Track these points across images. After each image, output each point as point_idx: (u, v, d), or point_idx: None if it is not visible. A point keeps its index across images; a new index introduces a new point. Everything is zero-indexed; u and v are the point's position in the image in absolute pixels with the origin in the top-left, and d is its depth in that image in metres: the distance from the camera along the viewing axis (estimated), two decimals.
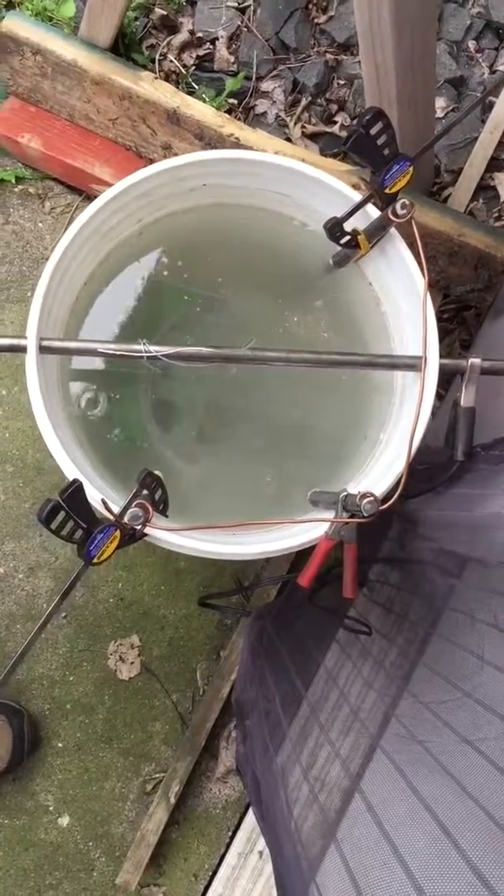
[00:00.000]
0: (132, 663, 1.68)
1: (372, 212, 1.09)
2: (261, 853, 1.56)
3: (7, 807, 1.63)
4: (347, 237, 1.10)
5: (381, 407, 1.24)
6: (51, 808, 1.64)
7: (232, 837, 1.65)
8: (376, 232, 1.09)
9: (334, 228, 1.09)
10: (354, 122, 0.97)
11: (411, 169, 1.07)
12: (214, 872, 1.64)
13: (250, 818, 1.62)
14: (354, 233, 1.10)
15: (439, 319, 1.75)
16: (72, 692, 1.67)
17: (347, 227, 1.10)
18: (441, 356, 1.08)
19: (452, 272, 1.61)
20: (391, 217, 1.03)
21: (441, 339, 1.10)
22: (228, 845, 1.65)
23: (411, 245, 1.09)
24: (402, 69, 1.25)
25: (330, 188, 1.10)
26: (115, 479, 1.22)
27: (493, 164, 1.79)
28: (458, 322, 1.80)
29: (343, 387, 1.26)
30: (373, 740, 1.27)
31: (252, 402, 1.31)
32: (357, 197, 1.10)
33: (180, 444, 1.29)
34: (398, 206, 1.02)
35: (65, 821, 1.64)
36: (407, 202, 1.02)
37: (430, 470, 1.23)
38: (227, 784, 1.68)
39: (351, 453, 1.26)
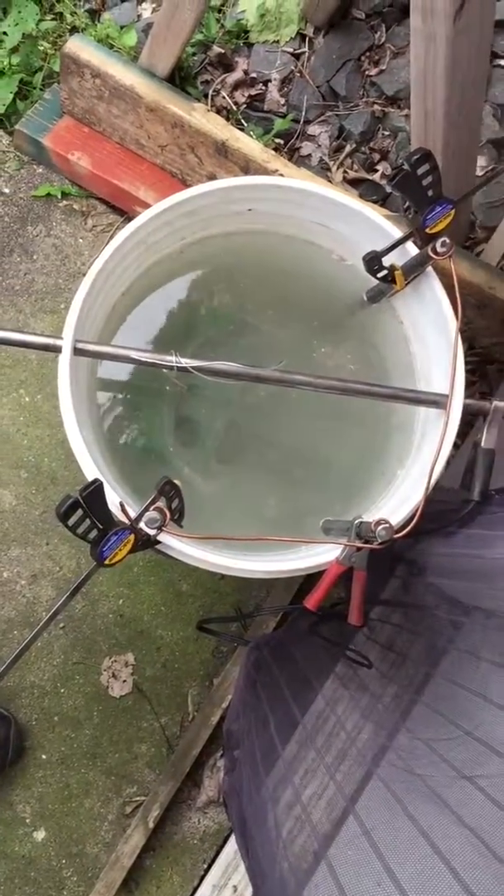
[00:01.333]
0: (125, 681, 1.67)
1: (411, 251, 1.12)
2: (235, 888, 1.53)
3: None
4: (385, 272, 1.12)
5: (400, 445, 1.25)
6: (27, 821, 1.62)
7: (207, 870, 1.62)
8: (414, 269, 1.12)
9: (373, 262, 1.11)
10: (402, 160, 0.99)
11: (453, 212, 1.09)
12: None
13: (227, 852, 1.59)
14: (392, 268, 1.12)
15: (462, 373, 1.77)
16: (61, 704, 1.66)
17: (385, 261, 1.13)
18: (465, 397, 1.10)
19: (480, 324, 1.63)
20: (431, 254, 1.06)
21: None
22: (202, 878, 1.62)
23: (446, 286, 1.11)
24: (449, 119, 1.29)
25: (372, 223, 1.13)
26: (132, 490, 1.23)
27: None
28: (479, 375, 1.83)
29: (365, 422, 1.28)
30: (368, 767, 1.26)
31: (273, 429, 1.32)
32: (398, 234, 1.12)
33: (198, 461, 1.30)
34: (439, 244, 1.05)
35: (40, 835, 1.62)
36: (447, 241, 1.05)
37: (441, 512, 1.24)
38: (206, 815, 1.65)
39: (366, 487, 1.28)
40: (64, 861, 1.61)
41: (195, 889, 1.61)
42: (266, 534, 1.26)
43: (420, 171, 1.05)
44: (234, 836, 1.55)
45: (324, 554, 1.09)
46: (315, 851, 1.19)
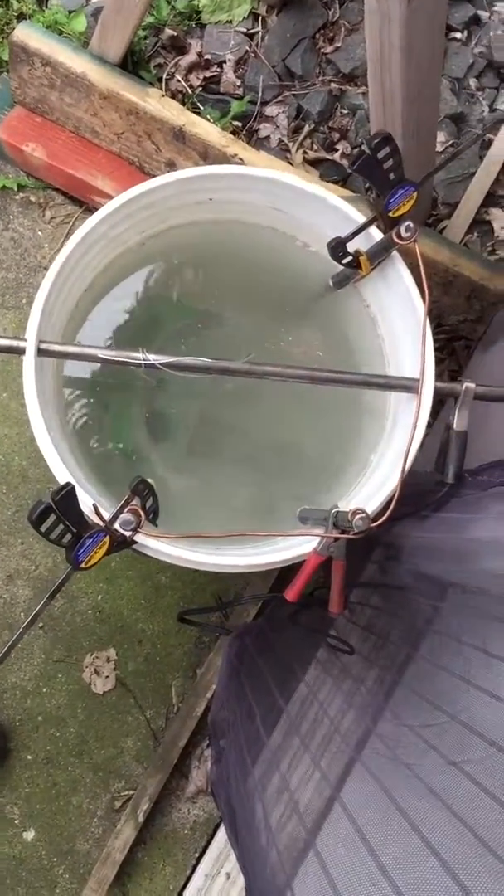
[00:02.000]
0: (107, 677, 1.66)
1: (375, 235, 1.11)
2: (228, 875, 1.54)
3: None
4: (349, 257, 1.11)
5: (372, 430, 1.25)
6: (16, 822, 1.61)
7: (199, 859, 1.63)
8: (378, 254, 1.11)
9: (337, 248, 1.10)
10: (362, 144, 0.98)
11: (416, 194, 1.08)
12: (179, 893, 1.61)
13: (218, 840, 1.60)
14: (357, 253, 1.11)
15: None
16: (44, 704, 1.65)
17: (350, 247, 1.11)
18: (435, 379, 1.10)
19: (446, 302, 1.63)
20: (396, 239, 1.05)
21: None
22: (195, 867, 1.62)
23: (412, 269, 1.10)
24: (408, 97, 1.27)
25: (335, 209, 1.12)
26: (104, 488, 1.21)
27: (489, 200, 1.82)
28: (448, 353, 1.82)
29: (336, 408, 1.27)
30: (352, 753, 1.26)
31: (244, 419, 1.31)
32: (361, 218, 1.11)
33: (170, 455, 1.29)
34: (403, 228, 1.04)
35: (30, 835, 1.61)
36: (412, 225, 1.04)
37: (416, 495, 1.24)
38: (196, 804, 1.66)
39: (341, 473, 1.27)
40: (55, 859, 1.61)
41: (188, 879, 1.62)
42: (241, 526, 1.25)
43: (381, 154, 1.03)
44: (223, 825, 1.55)
45: (301, 545, 1.08)
46: (304, 840, 1.20)
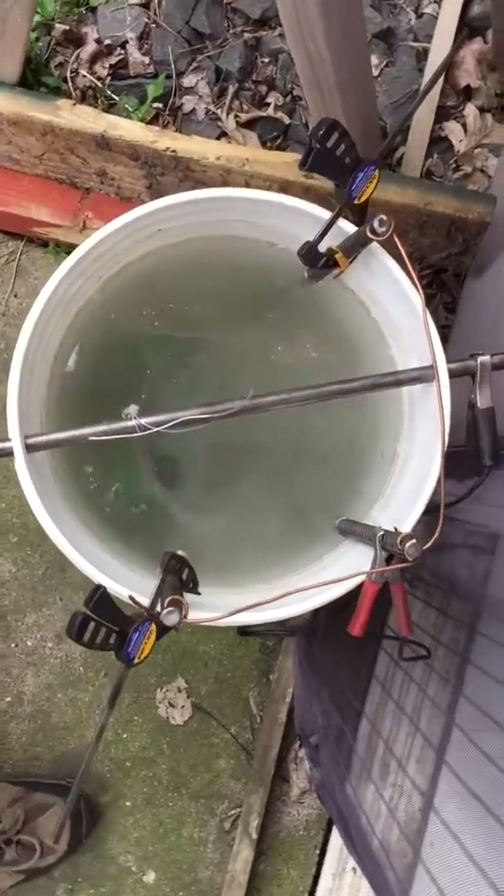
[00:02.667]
0: (183, 707, 1.63)
1: (347, 227, 1.01)
2: (354, 870, 1.53)
3: (89, 877, 1.59)
4: (324, 258, 1.02)
5: (389, 417, 1.17)
6: (133, 868, 1.61)
7: (321, 856, 1.62)
8: (354, 248, 1.01)
9: (309, 254, 1.01)
10: (309, 138, 0.88)
11: (377, 172, 0.98)
12: (311, 893, 1.61)
13: (335, 836, 1.59)
14: (331, 252, 1.02)
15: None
16: (129, 748, 1.63)
17: (321, 247, 1.02)
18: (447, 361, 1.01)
19: (425, 242, 1.53)
20: (370, 235, 0.95)
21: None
22: (319, 864, 1.62)
23: (396, 258, 1.01)
24: (336, 54, 1.16)
25: (293, 209, 1.02)
26: (137, 555, 1.15)
27: (441, 114, 1.69)
28: (437, 286, 1.73)
29: (347, 403, 1.19)
30: (437, 754, 1.23)
31: (256, 436, 1.24)
32: (324, 214, 1.01)
33: (189, 499, 1.22)
34: (376, 223, 0.94)
35: (150, 877, 1.61)
36: (385, 218, 0.94)
37: (459, 454, 1.16)
38: (303, 804, 1.64)
39: (368, 469, 1.20)
40: (181, 893, 1.61)
41: (315, 878, 1.62)
42: (277, 555, 1.19)
43: (330, 143, 0.93)
44: (336, 828, 1.54)
45: (350, 565, 1.03)
46: (410, 851, 1.17)
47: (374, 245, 1.01)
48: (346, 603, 1.37)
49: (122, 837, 1.61)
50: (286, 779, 1.65)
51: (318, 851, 1.64)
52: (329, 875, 1.55)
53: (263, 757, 1.60)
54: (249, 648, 1.66)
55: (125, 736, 1.62)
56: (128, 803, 1.62)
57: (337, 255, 1.01)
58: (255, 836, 1.57)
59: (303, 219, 1.04)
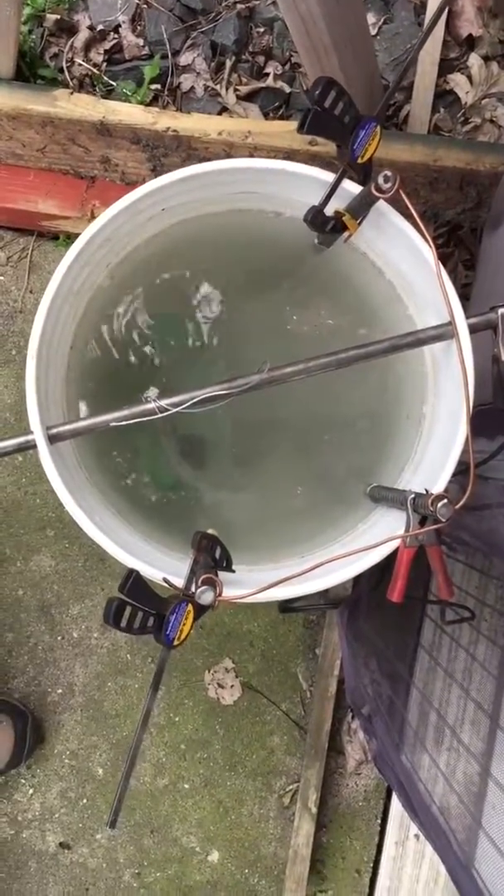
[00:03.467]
0: (232, 686, 1.64)
1: (352, 188, 0.99)
2: (417, 836, 1.52)
3: (155, 860, 1.61)
4: (332, 222, 1.00)
5: (413, 379, 1.15)
6: (197, 849, 1.62)
7: (383, 825, 1.62)
8: (361, 208, 0.99)
9: (316, 218, 0.99)
10: (305, 100, 0.87)
11: (378, 129, 0.96)
12: (376, 862, 1.61)
13: (395, 804, 1.58)
14: (338, 214, 1.00)
15: (435, 247, 1.64)
16: (182, 732, 1.63)
17: (328, 210, 1.00)
18: (467, 316, 0.99)
19: (437, 199, 1.50)
20: (375, 193, 0.93)
21: (442, 265, 1.00)
22: (381, 833, 1.62)
23: (405, 214, 0.99)
24: (329, 14, 1.13)
25: (296, 175, 1.00)
26: (163, 533, 1.15)
27: (444, 67, 1.65)
28: (454, 243, 1.69)
29: (366, 368, 1.17)
30: (491, 718, 1.22)
31: (280, 410, 1.23)
32: (328, 176, 0.99)
33: (217, 477, 1.22)
34: (380, 179, 0.92)
35: (214, 857, 1.62)
36: (389, 174, 0.92)
37: (488, 412, 1.13)
38: (360, 775, 1.64)
39: (395, 434, 1.19)
40: (247, 871, 1.61)
41: (378, 847, 1.61)
42: (310, 527, 1.18)
43: (328, 102, 0.91)
44: (397, 798, 1.53)
45: (385, 531, 1.02)
46: (470, 819, 1.16)
47: (383, 204, 0.99)
48: (385, 570, 1.36)
49: (183, 819, 1.62)
50: (341, 751, 1.64)
51: (378, 821, 1.64)
52: (392, 843, 1.55)
53: (317, 731, 1.60)
54: (293, 625, 1.65)
55: (177, 720, 1.63)
56: (186, 786, 1.63)
57: (345, 218, 1.00)
58: (314, 809, 1.57)
59: (307, 184, 1.02)
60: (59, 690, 1.64)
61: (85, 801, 1.62)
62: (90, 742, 1.63)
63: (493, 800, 1.22)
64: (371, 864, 1.62)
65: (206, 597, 0.92)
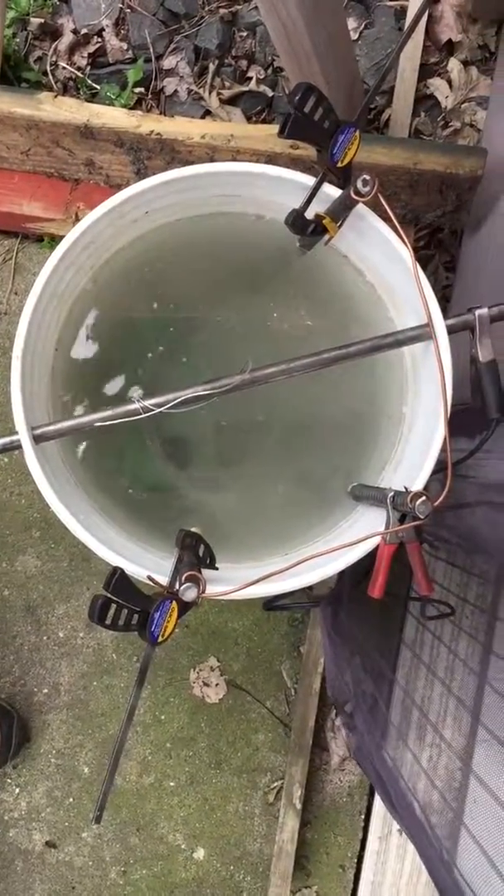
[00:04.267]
0: (217, 685, 1.65)
1: (332, 192, 1.01)
2: (400, 831, 1.54)
3: (141, 857, 1.62)
4: (312, 225, 1.02)
5: (392, 380, 1.17)
6: (183, 846, 1.63)
7: (366, 821, 1.63)
8: (341, 211, 1.01)
9: (296, 221, 1.00)
10: (286, 104, 0.89)
11: (357, 134, 0.98)
12: (360, 857, 1.63)
13: (378, 800, 1.60)
14: (319, 218, 1.01)
15: (416, 249, 1.66)
16: (167, 730, 1.65)
17: (309, 214, 1.02)
18: (445, 318, 1.01)
19: (418, 202, 1.52)
20: (354, 197, 0.95)
21: (423, 267, 1.02)
22: (365, 829, 1.63)
23: (384, 217, 1.00)
24: (310, 20, 1.15)
25: (277, 179, 1.02)
26: (147, 531, 1.16)
27: (425, 72, 1.68)
28: (434, 246, 1.72)
29: (347, 368, 1.19)
30: (472, 716, 1.23)
31: (262, 411, 1.24)
32: (308, 180, 1.01)
33: (201, 476, 1.23)
34: (359, 183, 0.93)
35: (200, 854, 1.63)
36: (367, 177, 0.93)
37: (467, 412, 1.15)
38: (344, 771, 1.66)
39: (376, 434, 1.20)
40: (232, 868, 1.63)
41: (362, 842, 1.63)
42: (297, 521, 1.20)
43: (307, 108, 0.93)
44: (377, 794, 1.55)
45: (365, 529, 1.03)
46: (452, 815, 1.18)
47: (362, 207, 1.01)
48: (369, 570, 1.38)
49: (169, 817, 1.63)
50: (325, 748, 1.66)
51: (362, 816, 1.65)
52: (375, 838, 1.56)
53: (301, 728, 1.62)
54: (278, 623, 1.67)
55: (163, 718, 1.64)
56: (171, 783, 1.64)
57: (325, 221, 1.01)
58: (299, 806, 1.59)
59: (288, 188, 1.03)
60: (45, 690, 1.65)
61: (71, 799, 1.63)
62: (76, 741, 1.64)
63: (474, 795, 1.24)
64: (355, 860, 1.64)
65: (189, 593, 0.93)
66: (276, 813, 1.62)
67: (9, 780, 1.63)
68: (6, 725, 1.56)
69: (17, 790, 1.63)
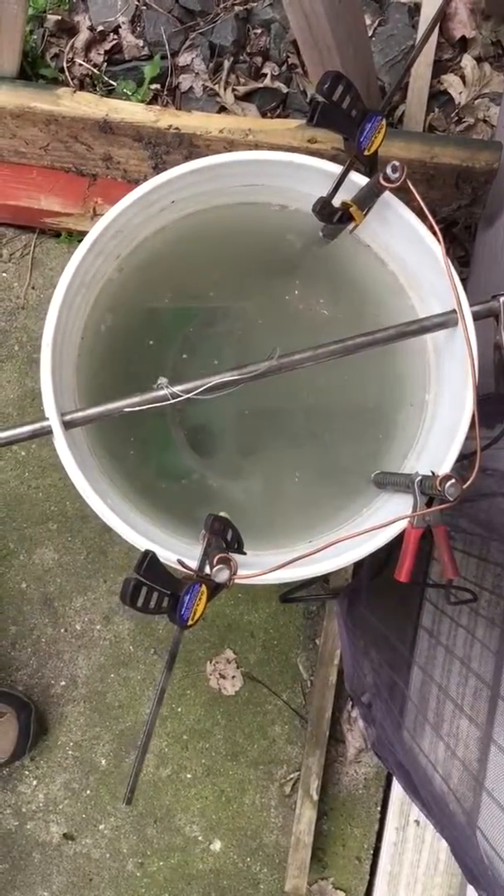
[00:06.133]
0: (233, 677, 1.66)
1: (358, 179, 1.02)
2: (417, 822, 1.55)
3: (158, 849, 1.62)
4: (339, 213, 1.03)
5: (415, 368, 1.18)
6: (200, 838, 1.63)
7: (383, 812, 1.64)
8: (368, 199, 1.02)
9: (324, 209, 1.02)
10: (314, 94, 0.90)
11: (384, 122, 0.99)
12: (376, 850, 1.64)
13: (395, 790, 1.61)
14: (345, 206, 1.03)
15: None
16: (184, 722, 1.65)
17: (335, 202, 1.03)
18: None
19: (434, 196, 1.53)
20: (384, 183, 0.96)
21: None
22: (381, 821, 1.64)
23: (410, 206, 1.02)
24: (331, 12, 1.17)
25: (303, 167, 1.03)
26: (173, 519, 1.17)
27: (438, 68, 1.69)
28: (448, 240, 1.73)
29: (370, 357, 1.20)
30: (492, 689, 1.24)
31: (284, 398, 1.26)
32: (334, 168, 1.02)
33: (225, 465, 1.24)
34: (389, 169, 0.95)
35: (217, 846, 1.63)
36: (398, 164, 0.95)
37: (488, 401, 1.16)
38: (360, 763, 1.66)
39: (399, 421, 1.22)
40: (248, 859, 1.63)
41: (378, 833, 1.64)
42: (320, 509, 1.21)
43: (336, 96, 0.94)
44: (398, 783, 1.56)
45: (389, 516, 1.04)
46: (474, 782, 1.19)
47: (388, 196, 1.02)
48: (387, 561, 1.39)
49: (185, 809, 1.64)
50: (341, 740, 1.67)
51: (378, 808, 1.66)
52: (392, 829, 1.57)
53: (318, 720, 1.63)
54: (293, 615, 1.68)
55: (180, 710, 1.65)
56: (188, 775, 1.64)
57: (352, 209, 1.03)
58: (315, 797, 1.59)
59: (313, 176, 1.05)
60: (63, 682, 1.66)
61: (88, 791, 1.63)
62: (93, 733, 1.65)
63: (495, 766, 1.25)
64: (371, 851, 1.64)
65: (222, 574, 0.94)
66: (293, 805, 1.63)
67: (26, 773, 1.63)
68: (24, 717, 1.57)
69: (35, 782, 1.63)
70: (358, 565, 1.65)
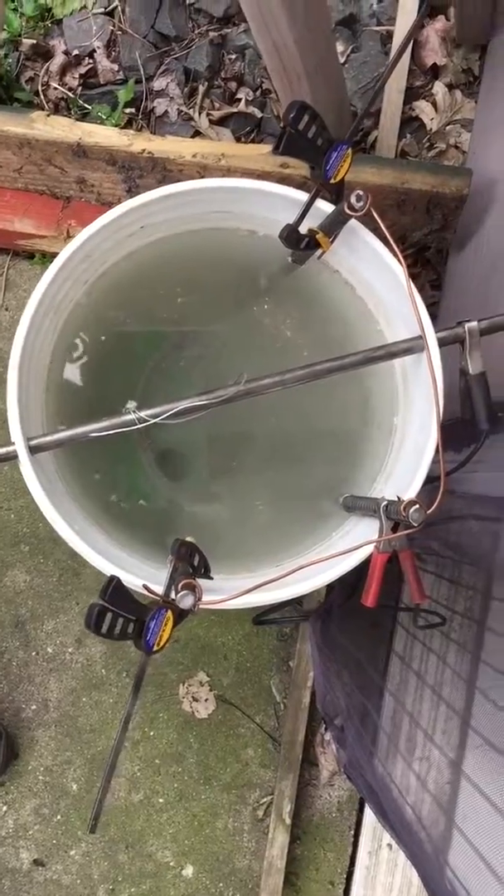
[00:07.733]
0: (206, 700, 1.65)
1: (325, 207, 1.03)
2: (390, 846, 1.54)
3: (129, 875, 1.61)
4: (306, 239, 1.04)
5: (383, 392, 1.19)
6: (171, 864, 1.62)
7: (356, 836, 1.63)
8: (334, 226, 1.03)
9: (290, 236, 1.03)
10: (281, 124, 0.91)
11: (349, 151, 1.00)
12: (349, 874, 1.63)
13: (368, 814, 1.60)
14: (311, 233, 1.03)
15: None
16: (156, 746, 1.64)
17: (302, 228, 1.04)
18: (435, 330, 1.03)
19: (405, 221, 1.55)
20: (348, 212, 0.97)
21: None
22: (354, 844, 1.63)
23: (376, 231, 1.03)
24: (301, 41, 1.18)
25: (271, 195, 1.04)
26: (141, 543, 1.17)
27: (410, 94, 1.71)
28: (421, 264, 1.74)
29: (339, 381, 1.20)
30: (462, 719, 1.24)
31: (253, 422, 1.26)
32: (301, 196, 1.03)
33: (194, 489, 1.24)
34: (353, 198, 0.96)
35: (189, 871, 1.62)
36: (361, 193, 0.96)
37: (455, 426, 1.17)
38: (334, 786, 1.66)
39: (367, 445, 1.22)
40: (221, 885, 1.62)
41: (352, 858, 1.63)
42: (289, 533, 1.21)
43: (301, 125, 0.95)
44: (367, 806, 1.55)
45: (359, 539, 1.04)
46: (444, 815, 1.19)
47: (355, 223, 1.03)
48: (358, 584, 1.39)
49: (157, 834, 1.62)
50: (315, 763, 1.66)
51: (352, 832, 1.65)
52: (365, 853, 1.56)
53: (291, 743, 1.62)
54: (266, 637, 1.67)
55: (152, 734, 1.64)
56: (160, 800, 1.63)
57: (318, 236, 1.03)
58: (288, 821, 1.58)
59: (281, 203, 1.06)
60: (34, 706, 1.64)
61: (59, 817, 1.62)
62: (64, 758, 1.63)
63: (465, 797, 1.25)
64: (344, 876, 1.63)
65: (186, 600, 0.94)
66: (266, 829, 1.62)
67: None
68: None
69: (5, 808, 1.61)
70: (330, 587, 1.65)
